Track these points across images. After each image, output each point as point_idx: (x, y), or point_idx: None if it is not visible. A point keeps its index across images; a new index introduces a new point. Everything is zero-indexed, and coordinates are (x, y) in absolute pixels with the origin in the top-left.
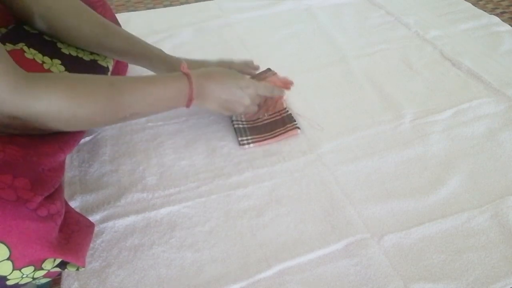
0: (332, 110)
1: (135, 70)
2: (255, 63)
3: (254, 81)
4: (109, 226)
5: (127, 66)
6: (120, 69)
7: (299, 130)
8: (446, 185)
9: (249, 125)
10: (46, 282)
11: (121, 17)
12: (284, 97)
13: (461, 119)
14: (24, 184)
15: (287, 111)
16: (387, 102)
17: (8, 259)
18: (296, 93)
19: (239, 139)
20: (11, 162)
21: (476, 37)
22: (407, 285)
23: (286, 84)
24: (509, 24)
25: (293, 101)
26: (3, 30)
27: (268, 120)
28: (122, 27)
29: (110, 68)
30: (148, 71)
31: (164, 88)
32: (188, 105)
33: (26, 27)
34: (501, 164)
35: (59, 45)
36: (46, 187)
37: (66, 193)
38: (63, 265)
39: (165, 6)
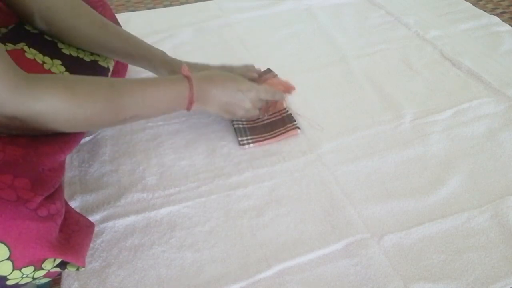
0: (332, 110)
1: (135, 70)
2: (255, 63)
3: (255, 85)
4: (109, 226)
5: (127, 65)
6: (120, 69)
7: (299, 130)
8: (446, 185)
9: (249, 125)
10: (46, 282)
11: (121, 17)
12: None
13: (461, 119)
14: (24, 184)
15: (287, 111)
16: (387, 102)
17: (8, 259)
18: (296, 93)
19: (239, 139)
20: (11, 162)
21: (476, 37)
22: (407, 285)
23: (288, 88)
24: (509, 24)
25: (293, 101)
26: (3, 30)
27: (268, 120)
28: (122, 27)
29: (111, 68)
30: (148, 71)
31: (164, 90)
32: (188, 108)
33: (27, 27)
34: (501, 164)
35: (59, 45)
36: (46, 187)
37: (66, 193)
38: (63, 265)
39: (165, 6)
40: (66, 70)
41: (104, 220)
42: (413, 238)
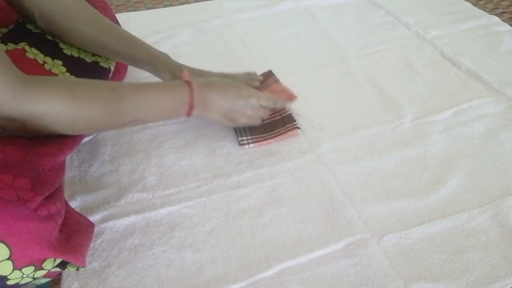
0: (332, 110)
1: (135, 70)
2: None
3: (257, 92)
4: (109, 226)
5: (127, 66)
6: (120, 69)
7: (299, 130)
8: (446, 185)
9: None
10: (46, 282)
11: (121, 17)
12: None
13: (461, 119)
14: (25, 184)
15: (287, 111)
16: (387, 102)
17: (8, 259)
18: (296, 93)
19: (239, 139)
20: (11, 162)
21: (476, 37)
22: (407, 285)
23: (290, 97)
24: (509, 24)
25: None
26: (4, 30)
27: (268, 120)
28: (122, 27)
29: (112, 69)
30: (148, 72)
31: (165, 95)
32: (189, 114)
33: (28, 26)
34: (501, 164)
35: (61, 45)
36: (46, 187)
37: (66, 193)
38: (63, 265)
39: (165, 6)
40: (67, 71)
41: (104, 220)
42: (413, 238)
